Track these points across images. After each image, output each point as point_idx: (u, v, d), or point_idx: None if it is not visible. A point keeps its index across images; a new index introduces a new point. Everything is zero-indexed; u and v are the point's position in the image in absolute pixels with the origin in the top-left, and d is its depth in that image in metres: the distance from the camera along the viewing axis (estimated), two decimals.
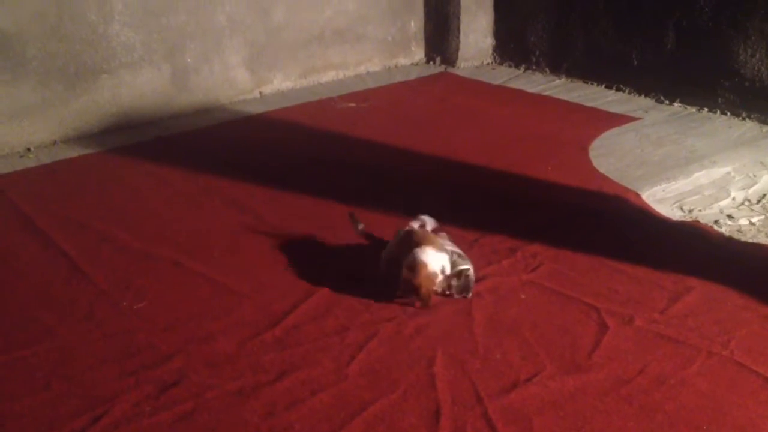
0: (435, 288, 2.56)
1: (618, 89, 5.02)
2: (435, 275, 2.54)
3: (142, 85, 4.53)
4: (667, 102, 4.75)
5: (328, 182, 3.68)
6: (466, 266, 2.62)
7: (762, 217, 3.36)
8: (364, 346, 2.40)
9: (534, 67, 5.58)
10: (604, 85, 5.11)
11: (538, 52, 5.54)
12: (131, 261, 2.96)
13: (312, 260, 2.95)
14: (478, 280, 2.71)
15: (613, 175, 3.69)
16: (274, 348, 2.40)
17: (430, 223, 2.95)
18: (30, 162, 4.02)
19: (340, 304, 2.63)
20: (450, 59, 5.78)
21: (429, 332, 2.47)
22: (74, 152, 4.13)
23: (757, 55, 4.33)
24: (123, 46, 4.40)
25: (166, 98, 4.64)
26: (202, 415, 2.11)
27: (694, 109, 4.63)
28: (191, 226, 3.26)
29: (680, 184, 3.62)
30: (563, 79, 5.33)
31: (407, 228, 2.82)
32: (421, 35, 5.86)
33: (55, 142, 4.25)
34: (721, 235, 3.16)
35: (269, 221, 3.27)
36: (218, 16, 4.74)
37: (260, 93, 5.07)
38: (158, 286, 2.78)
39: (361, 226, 3.05)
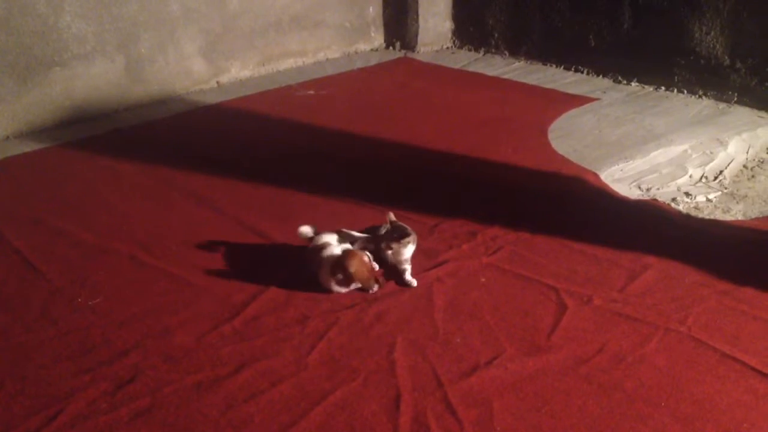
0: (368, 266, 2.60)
1: (576, 70, 5.05)
2: (361, 256, 2.59)
3: (95, 77, 4.44)
4: (625, 82, 4.78)
5: (287, 171, 3.64)
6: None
7: (719, 193, 3.40)
8: (325, 335, 2.38)
9: (493, 50, 5.58)
10: (562, 67, 5.13)
11: (497, 35, 5.54)
12: (86, 256, 2.91)
13: (272, 250, 2.92)
14: (438, 264, 2.73)
15: (572, 157, 3.70)
16: (233, 340, 2.37)
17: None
18: None
19: (301, 293, 2.61)
20: (409, 44, 5.76)
21: (389, 318, 2.46)
22: (27, 147, 4.04)
23: (712, 33, 4.37)
24: (74, 37, 4.31)
25: (121, 90, 4.55)
26: (159, 410, 2.08)
27: (651, 89, 4.67)
28: (148, 219, 3.21)
29: (638, 164, 3.65)
30: (522, 62, 5.33)
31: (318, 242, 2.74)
32: (380, 21, 5.83)
33: (7, 138, 4.15)
34: (679, 213, 3.20)
35: (228, 212, 3.23)
36: (172, 4, 4.66)
37: (217, 82, 5.01)
38: (114, 282, 2.72)
39: None
